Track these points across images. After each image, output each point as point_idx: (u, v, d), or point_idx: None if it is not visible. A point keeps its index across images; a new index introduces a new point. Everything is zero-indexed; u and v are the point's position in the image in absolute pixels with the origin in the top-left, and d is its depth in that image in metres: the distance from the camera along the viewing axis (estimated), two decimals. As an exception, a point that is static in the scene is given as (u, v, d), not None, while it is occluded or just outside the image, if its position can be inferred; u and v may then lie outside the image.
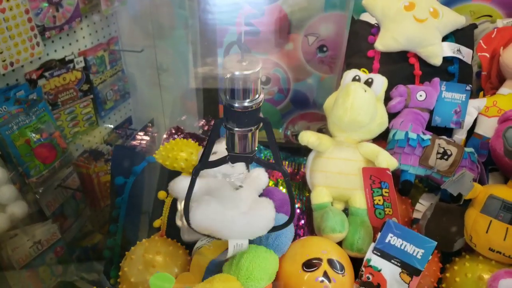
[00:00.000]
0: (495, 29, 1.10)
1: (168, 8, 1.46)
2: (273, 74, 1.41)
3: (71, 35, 1.45)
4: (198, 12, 1.33)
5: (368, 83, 0.94)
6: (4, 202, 1.04)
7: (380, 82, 0.94)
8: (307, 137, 0.90)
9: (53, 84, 1.39)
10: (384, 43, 1.04)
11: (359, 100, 0.87)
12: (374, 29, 1.10)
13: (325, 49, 1.36)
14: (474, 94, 1.12)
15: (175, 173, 0.85)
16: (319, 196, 0.92)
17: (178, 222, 0.85)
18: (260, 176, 0.87)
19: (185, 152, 0.91)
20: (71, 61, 1.45)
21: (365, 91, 0.89)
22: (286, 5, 1.31)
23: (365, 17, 1.18)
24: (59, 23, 1.36)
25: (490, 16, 1.25)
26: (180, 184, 0.83)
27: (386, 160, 0.87)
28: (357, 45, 1.09)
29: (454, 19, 1.07)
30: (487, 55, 1.08)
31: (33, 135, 1.20)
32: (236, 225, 0.70)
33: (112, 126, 1.63)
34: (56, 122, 1.36)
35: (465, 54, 1.07)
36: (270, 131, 0.64)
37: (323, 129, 1.35)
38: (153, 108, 1.76)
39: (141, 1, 1.59)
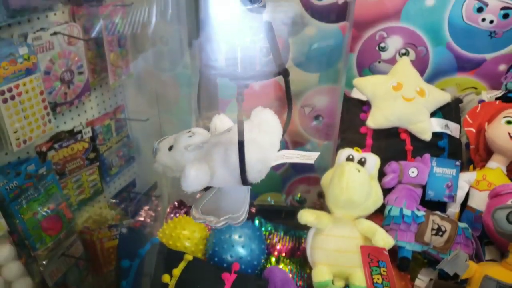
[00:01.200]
0: (480, 104, 1.17)
1: (174, 85, 1.55)
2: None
3: (80, 107, 1.52)
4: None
5: (362, 162, 0.99)
6: (10, 279, 1.06)
7: (373, 161, 0.99)
8: (306, 217, 0.94)
9: (61, 155, 1.45)
10: (375, 121, 1.10)
11: (353, 181, 0.92)
12: (365, 107, 1.17)
13: (320, 118, 1.43)
14: (465, 166, 1.17)
15: (177, 254, 0.88)
16: (320, 274, 0.94)
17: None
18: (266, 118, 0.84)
19: (187, 231, 0.95)
20: (79, 132, 1.51)
21: (359, 171, 0.94)
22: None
23: (356, 92, 1.25)
24: (70, 99, 1.43)
25: (475, 88, 1.32)
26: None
27: (383, 239, 0.91)
28: (350, 121, 1.16)
29: (440, 97, 1.14)
30: (473, 130, 1.14)
31: (41, 208, 1.24)
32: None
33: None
34: (63, 191, 1.40)
35: (453, 129, 1.13)
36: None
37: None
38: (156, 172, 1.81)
39: (147, 73, 1.68)
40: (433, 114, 1.15)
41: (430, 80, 1.33)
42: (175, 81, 1.50)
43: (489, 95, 1.23)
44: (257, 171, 0.71)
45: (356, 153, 1.01)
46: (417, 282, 0.99)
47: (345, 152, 1.02)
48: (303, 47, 1.33)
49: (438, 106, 1.14)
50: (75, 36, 1.32)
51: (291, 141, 1.50)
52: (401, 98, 1.10)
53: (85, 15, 1.42)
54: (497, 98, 1.18)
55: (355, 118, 1.15)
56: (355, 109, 1.16)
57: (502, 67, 1.28)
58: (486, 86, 1.31)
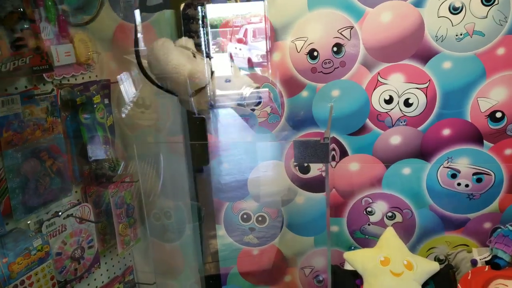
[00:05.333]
0: (470, 271, 1.20)
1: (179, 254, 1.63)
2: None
3: (91, 275, 1.59)
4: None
5: None
6: None
7: None
8: None
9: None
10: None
11: None
12: (358, 280, 1.21)
13: (321, 277, 1.45)
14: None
15: None
16: None
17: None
18: None
19: None
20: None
21: None
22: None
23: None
24: (80, 273, 1.51)
25: (466, 245, 1.36)
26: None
27: None
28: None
29: (428, 267, 1.18)
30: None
31: None
32: None
33: None
34: None
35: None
36: None
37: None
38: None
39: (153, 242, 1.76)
40: (425, 285, 1.18)
41: (420, 239, 1.39)
42: (179, 251, 1.58)
43: (480, 256, 1.26)
44: None
45: None
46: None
47: None
48: (297, 214, 1.43)
49: (427, 277, 1.18)
50: (87, 218, 1.42)
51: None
52: (390, 273, 1.14)
53: (95, 192, 1.55)
54: (487, 262, 1.21)
55: (348, 293, 1.19)
56: (348, 282, 1.20)
57: (487, 225, 1.33)
58: (476, 243, 1.35)
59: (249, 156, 1.36)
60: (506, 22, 1.16)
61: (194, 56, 1.01)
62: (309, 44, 1.27)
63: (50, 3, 1.32)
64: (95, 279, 1.64)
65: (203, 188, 1.42)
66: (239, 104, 0.94)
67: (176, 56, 1.00)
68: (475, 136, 1.26)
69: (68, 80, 1.40)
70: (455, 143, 1.28)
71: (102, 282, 1.67)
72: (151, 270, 1.78)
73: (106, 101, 1.51)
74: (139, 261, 1.83)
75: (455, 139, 1.28)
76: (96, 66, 1.46)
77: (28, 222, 1.25)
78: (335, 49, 1.27)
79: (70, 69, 1.40)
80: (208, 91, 1.02)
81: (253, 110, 1.32)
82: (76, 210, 1.44)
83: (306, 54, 1.28)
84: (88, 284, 1.60)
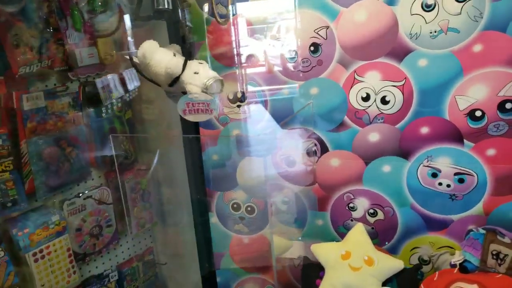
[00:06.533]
0: (437, 273, 1.18)
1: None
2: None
3: (111, 252, 1.80)
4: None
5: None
6: None
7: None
8: None
9: (89, 299, 1.70)
10: (324, 289, 1.18)
11: None
12: (322, 272, 1.25)
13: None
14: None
15: None
16: None
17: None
18: None
19: None
20: (107, 275, 1.78)
21: None
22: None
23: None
24: (98, 249, 1.73)
25: (451, 247, 1.32)
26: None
27: None
28: (308, 286, 1.24)
29: (391, 265, 1.18)
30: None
31: None
32: None
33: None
34: None
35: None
36: None
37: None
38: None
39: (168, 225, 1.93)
40: (388, 282, 1.18)
41: (402, 238, 1.38)
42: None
43: (456, 259, 1.22)
44: None
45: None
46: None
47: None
48: (283, 206, 1.50)
49: (389, 275, 1.18)
50: (105, 201, 1.62)
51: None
52: (348, 267, 1.17)
53: (115, 178, 1.75)
54: (460, 264, 1.18)
55: (312, 284, 1.23)
56: (313, 274, 1.25)
57: (471, 228, 1.28)
58: (460, 245, 1.31)
59: (238, 148, 1.46)
60: (482, 18, 1.12)
61: (174, 55, 1.15)
62: (288, 44, 1.34)
63: (76, 12, 1.54)
64: (116, 255, 1.85)
65: (197, 178, 1.54)
66: (202, 91, 1.06)
67: (159, 54, 1.15)
68: (455, 135, 1.23)
69: (94, 78, 1.60)
70: (434, 141, 1.26)
71: (123, 258, 1.88)
72: (168, 251, 1.95)
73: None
74: (159, 243, 2.01)
75: (434, 137, 1.25)
76: (115, 65, 1.66)
77: (54, 201, 1.48)
78: (312, 48, 1.32)
79: (94, 68, 1.60)
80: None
81: (239, 106, 1.42)
82: (95, 192, 1.64)
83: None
84: (110, 259, 1.81)
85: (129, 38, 1.45)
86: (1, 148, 1.25)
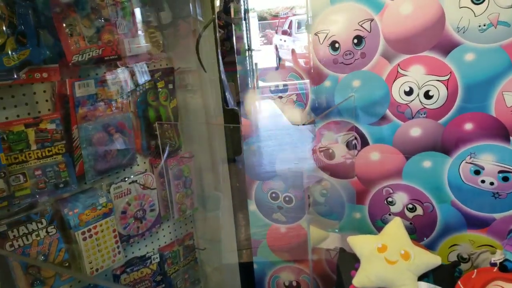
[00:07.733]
0: (476, 270, 1.16)
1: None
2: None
3: (154, 235, 1.89)
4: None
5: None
6: None
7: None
8: None
9: (132, 278, 1.80)
10: (359, 281, 1.19)
11: None
12: (357, 264, 1.26)
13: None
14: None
15: None
16: None
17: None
18: None
19: None
20: (149, 257, 1.86)
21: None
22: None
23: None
24: (141, 231, 1.81)
25: (492, 246, 1.30)
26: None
27: None
28: (343, 277, 1.26)
29: (427, 260, 1.17)
30: (466, 296, 1.13)
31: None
32: None
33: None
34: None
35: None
36: None
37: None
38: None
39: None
40: (424, 277, 1.18)
41: (441, 235, 1.36)
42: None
43: (496, 258, 1.20)
44: None
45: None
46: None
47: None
48: (322, 198, 1.51)
49: (426, 270, 1.17)
50: (149, 186, 1.70)
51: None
52: (384, 261, 1.17)
53: (159, 164, 1.83)
54: (500, 263, 1.16)
55: (346, 274, 1.25)
56: (349, 265, 1.26)
57: (515, 227, 1.25)
58: (501, 244, 1.28)
59: (278, 140, 1.48)
60: (534, 11, 1.09)
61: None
62: (331, 37, 1.34)
63: (126, 4, 1.61)
64: (158, 239, 1.93)
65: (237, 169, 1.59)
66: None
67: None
68: (501, 132, 1.20)
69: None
70: (479, 138, 1.23)
71: (165, 242, 1.96)
72: (208, 237, 2.01)
73: (170, 86, 1.77)
74: (199, 229, 2.08)
75: (478, 134, 1.23)
76: (163, 55, 1.72)
77: (102, 184, 1.57)
78: (355, 41, 1.32)
79: (141, 58, 1.68)
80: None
81: (280, 97, 1.45)
82: (140, 177, 1.72)
83: (328, 46, 1.35)
84: (152, 242, 1.89)
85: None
86: (55, 132, 1.34)
